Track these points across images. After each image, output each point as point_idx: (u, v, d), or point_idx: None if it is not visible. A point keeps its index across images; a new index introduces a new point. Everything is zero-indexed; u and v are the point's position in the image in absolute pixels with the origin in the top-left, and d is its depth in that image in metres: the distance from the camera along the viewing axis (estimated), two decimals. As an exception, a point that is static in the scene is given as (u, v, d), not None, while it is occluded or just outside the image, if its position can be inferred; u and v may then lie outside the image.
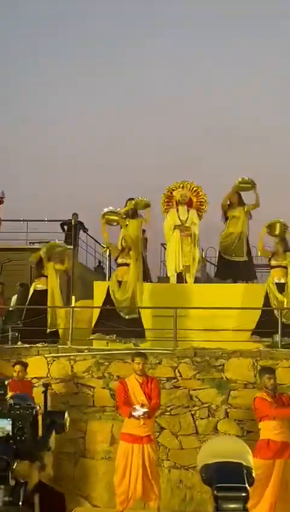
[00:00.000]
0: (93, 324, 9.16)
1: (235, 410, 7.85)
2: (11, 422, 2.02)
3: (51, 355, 8.30)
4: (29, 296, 9.27)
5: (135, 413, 6.63)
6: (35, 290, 9.13)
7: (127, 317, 8.85)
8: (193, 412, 8.00)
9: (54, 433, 2.16)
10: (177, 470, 7.88)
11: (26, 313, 9.13)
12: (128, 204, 9.90)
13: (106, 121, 26.03)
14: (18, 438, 2.00)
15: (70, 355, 8.33)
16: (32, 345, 8.65)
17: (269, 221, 9.23)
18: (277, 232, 9.08)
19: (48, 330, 8.93)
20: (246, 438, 7.25)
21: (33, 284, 9.32)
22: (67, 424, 2.19)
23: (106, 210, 9.43)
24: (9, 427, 2.01)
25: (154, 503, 7.09)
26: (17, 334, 9.25)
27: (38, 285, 9.16)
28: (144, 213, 10.13)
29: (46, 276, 9.10)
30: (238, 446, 2.22)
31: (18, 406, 2.06)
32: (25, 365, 7.69)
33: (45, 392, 2.39)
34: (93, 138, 25.20)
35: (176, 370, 8.13)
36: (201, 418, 7.95)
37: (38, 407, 2.17)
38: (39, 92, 27.90)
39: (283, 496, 6.65)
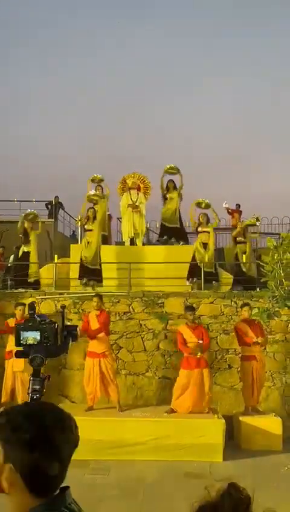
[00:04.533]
0: (70, 275, 10.48)
1: (171, 334, 8.92)
2: (39, 333, 2.20)
3: (41, 297, 9.35)
4: (19, 256, 10.85)
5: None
6: (23, 252, 10.78)
7: (91, 267, 10.27)
8: (142, 336, 9.08)
9: (70, 340, 2.34)
10: (131, 376, 9.02)
11: (15, 268, 10.72)
12: (96, 188, 11.80)
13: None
14: (45, 344, 2.21)
15: (54, 297, 9.32)
16: (26, 290, 9.73)
17: (197, 200, 10.92)
18: (203, 206, 10.80)
19: (29, 280, 10.25)
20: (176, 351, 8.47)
21: (21, 247, 10.88)
22: (79, 334, 2.40)
23: (91, 193, 11.29)
24: (38, 337, 2.20)
25: (115, 398, 8.15)
26: (11, 282, 10.50)
27: (25, 248, 10.77)
28: (104, 188, 11.90)
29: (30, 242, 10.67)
30: None
31: (44, 322, 2.23)
32: (24, 306, 8.48)
33: (62, 312, 2.62)
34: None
35: (130, 306, 9.23)
36: (148, 340, 9.08)
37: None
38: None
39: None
